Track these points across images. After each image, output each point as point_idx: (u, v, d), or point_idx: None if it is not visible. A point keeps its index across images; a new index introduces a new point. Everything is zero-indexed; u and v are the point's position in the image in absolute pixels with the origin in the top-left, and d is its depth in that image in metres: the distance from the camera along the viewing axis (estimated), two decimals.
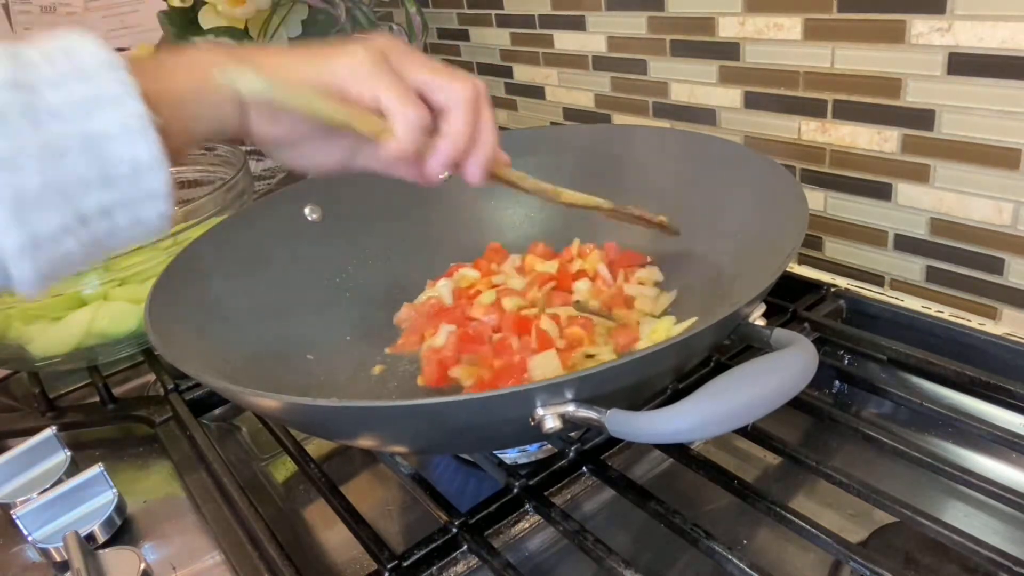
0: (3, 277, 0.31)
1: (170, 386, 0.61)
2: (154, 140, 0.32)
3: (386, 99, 0.38)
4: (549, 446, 0.50)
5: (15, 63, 0.30)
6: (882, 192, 0.60)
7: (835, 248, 0.65)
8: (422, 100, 0.40)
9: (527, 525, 0.46)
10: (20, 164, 0.29)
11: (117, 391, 0.65)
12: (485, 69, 0.98)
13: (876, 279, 0.63)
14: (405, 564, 0.42)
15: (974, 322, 0.56)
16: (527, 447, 0.51)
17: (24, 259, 0.30)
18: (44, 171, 0.30)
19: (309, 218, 0.65)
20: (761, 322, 0.40)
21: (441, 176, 0.42)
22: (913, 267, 0.60)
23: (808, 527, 0.40)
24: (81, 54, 0.32)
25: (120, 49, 1.17)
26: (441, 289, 0.64)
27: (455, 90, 0.40)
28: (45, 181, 0.30)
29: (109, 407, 0.63)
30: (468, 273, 0.65)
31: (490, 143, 0.42)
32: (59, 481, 0.52)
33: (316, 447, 0.55)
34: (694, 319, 0.55)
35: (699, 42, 0.68)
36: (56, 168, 0.30)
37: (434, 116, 0.40)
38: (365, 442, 0.46)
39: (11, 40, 0.31)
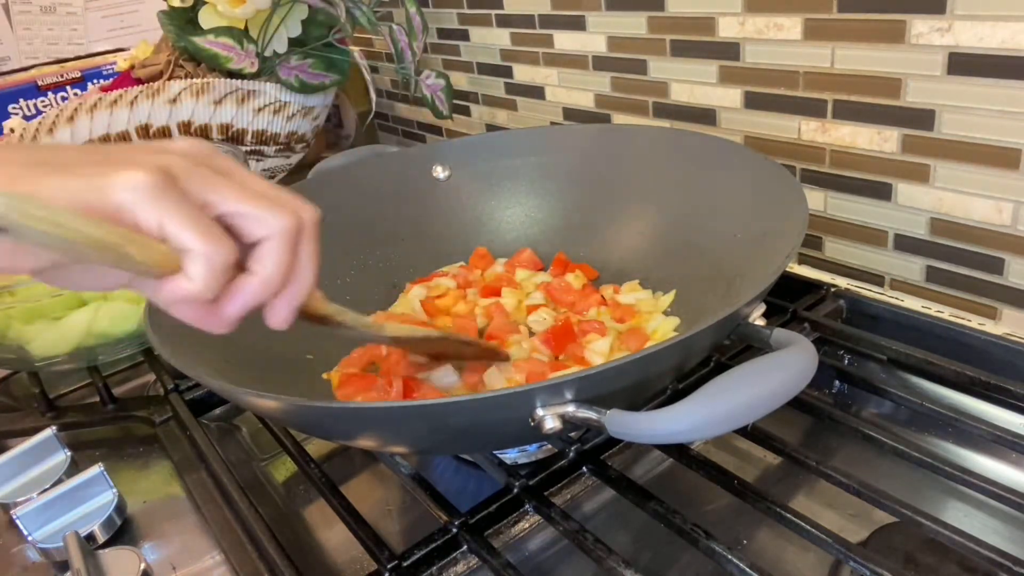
0: None
1: (170, 386, 0.61)
2: None
3: (176, 231, 0.30)
4: (549, 446, 0.51)
5: None
6: (882, 192, 0.60)
7: (835, 248, 0.65)
8: (227, 230, 0.32)
9: (527, 525, 0.46)
10: None
11: (117, 391, 0.65)
12: (485, 69, 0.99)
13: (876, 279, 0.63)
14: (405, 564, 0.42)
15: (974, 322, 0.56)
16: (527, 447, 0.51)
17: None
18: None
19: None
20: (761, 322, 0.40)
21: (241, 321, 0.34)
22: (913, 267, 0.60)
23: (808, 527, 0.40)
24: None
25: (120, 49, 1.17)
26: (412, 300, 0.64)
27: (272, 222, 0.33)
28: None
29: (109, 407, 0.63)
30: (444, 282, 0.65)
31: (307, 284, 0.35)
32: (59, 481, 0.52)
33: (316, 447, 0.55)
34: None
35: (699, 42, 0.68)
36: None
37: (242, 248, 0.33)
38: (365, 442, 0.46)
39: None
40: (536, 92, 0.92)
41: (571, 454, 0.48)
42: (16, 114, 1.07)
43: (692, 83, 0.71)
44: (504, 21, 0.91)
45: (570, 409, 0.34)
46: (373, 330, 0.44)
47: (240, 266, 0.33)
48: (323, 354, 0.58)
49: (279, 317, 0.35)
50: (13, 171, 0.28)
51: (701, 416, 0.32)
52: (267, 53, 0.89)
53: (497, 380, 0.51)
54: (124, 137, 0.86)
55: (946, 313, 0.58)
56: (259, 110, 0.91)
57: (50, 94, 1.09)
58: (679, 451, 0.48)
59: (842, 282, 0.64)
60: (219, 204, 0.32)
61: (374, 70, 1.23)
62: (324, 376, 0.57)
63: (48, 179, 0.28)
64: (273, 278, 0.34)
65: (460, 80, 1.04)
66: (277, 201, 0.34)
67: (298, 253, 0.34)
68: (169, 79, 0.88)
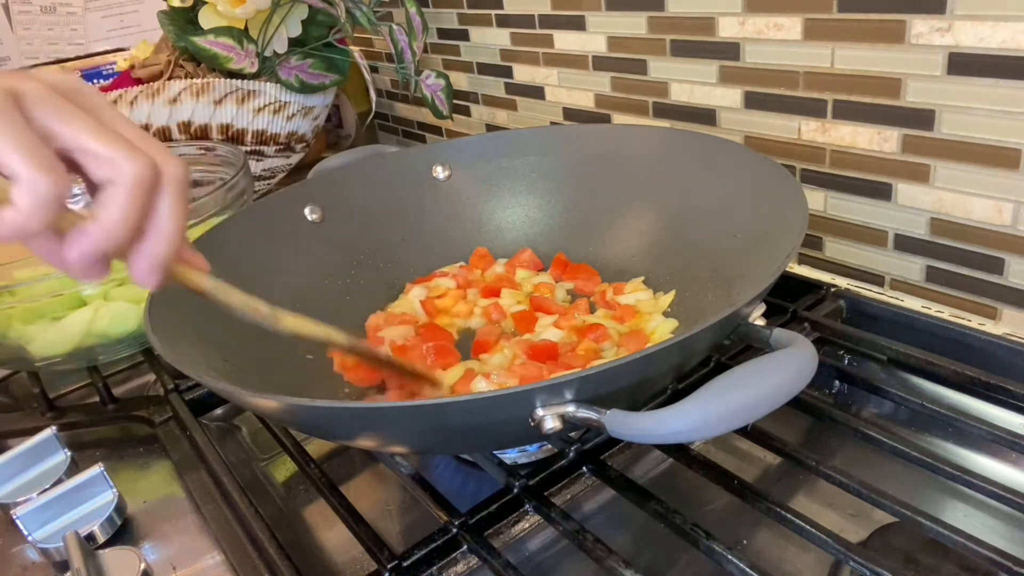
0: None
1: (170, 386, 0.61)
2: None
3: (4, 153, 0.29)
4: (549, 446, 0.51)
5: None
6: (882, 192, 0.60)
7: (835, 248, 0.66)
8: (75, 168, 0.31)
9: (527, 525, 0.46)
10: None
11: (117, 391, 0.65)
12: (485, 69, 0.99)
13: (876, 279, 0.63)
14: (405, 564, 0.42)
15: (974, 322, 0.56)
16: (527, 447, 0.51)
17: None
18: None
19: (309, 218, 0.65)
20: (761, 322, 0.40)
21: (90, 270, 0.33)
22: (913, 267, 0.60)
23: (808, 527, 0.40)
24: None
25: (120, 49, 1.17)
26: (412, 300, 0.64)
27: (119, 166, 0.31)
28: None
29: (109, 407, 0.63)
30: (443, 282, 0.65)
31: (165, 242, 0.33)
32: (59, 481, 0.52)
33: (316, 447, 0.55)
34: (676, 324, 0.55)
35: (699, 42, 0.68)
36: None
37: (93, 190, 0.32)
38: (365, 442, 0.46)
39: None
40: (536, 92, 0.92)
41: (571, 454, 0.48)
42: None
43: (692, 83, 0.71)
44: (504, 21, 0.91)
45: (570, 409, 0.34)
46: (266, 319, 0.40)
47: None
48: (323, 354, 0.58)
49: (138, 273, 0.34)
50: None
51: (701, 416, 0.32)
52: (267, 53, 0.89)
53: (484, 388, 0.51)
54: None
55: (946, 313, 0.58)
56: (259, 110, 0.91)
57: None
58: (679, 451, 0.48)
59: (842, 282, 0.64)
60: (64, 136, 0.30)
61: (374, 70, 1.23)
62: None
63: None
64: (113, 227, 0.32)
65: (460, 80, 1.04)
66: (134, 147, 0.31)
67: (154, 206, 0.33)
68: (169, 79, 0.88)
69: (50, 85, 0.31)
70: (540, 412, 0.34)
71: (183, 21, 0.88)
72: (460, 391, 0.53)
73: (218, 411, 0.62)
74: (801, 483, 0.48)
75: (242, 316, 0.39)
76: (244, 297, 0.39)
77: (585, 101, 0.85)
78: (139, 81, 0.90)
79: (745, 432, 0.48)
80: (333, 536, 0.49)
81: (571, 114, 0.88)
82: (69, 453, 0.55)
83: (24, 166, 0.29)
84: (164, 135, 0.88)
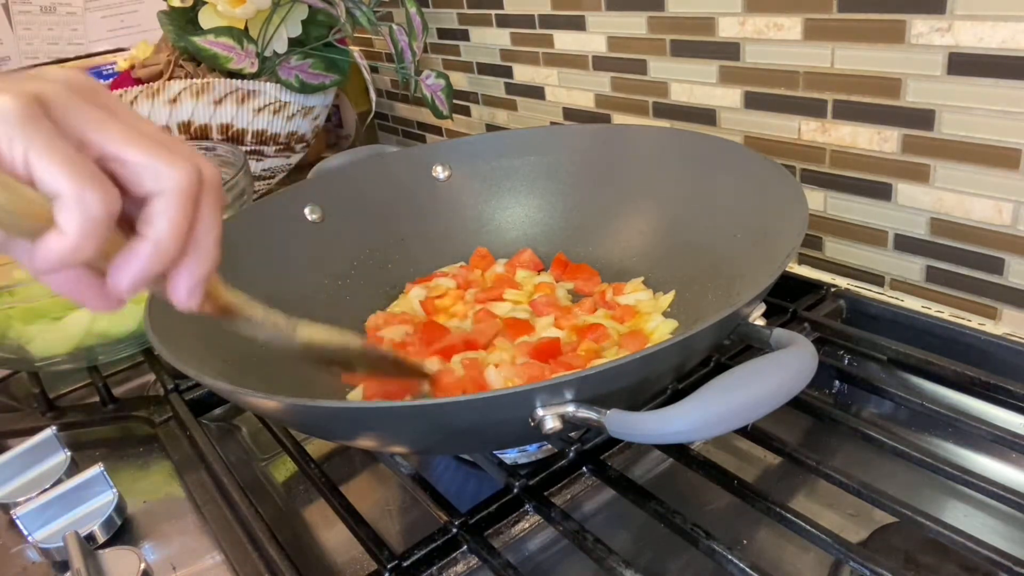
0: None
1: (170, 386, 0.61)
2: None
3: (45, 169, 0.24)
4: (549, 446, 0.50)
5: None
6: (882, 192, 0.60)
7: (835, 248, 0.65)
8: (111, 179, 0.27)
9: (527, 525, 0.46)
10: None
11: (117, 391, 0.65)
12: (485, 69, 0.99)
13: (876, 279, 0.63)
14: (405, 564, 0.42)
15: (974, 322, 0.56)
16: (527, 447, 0.51)
17: None
18: None
19: (309, 218, 0.65)
20: (761, 322, 0.40)
21: (133, 296, 0.29)
22: (913, 267, 0.60)
23: (808, 527, 0.40)
24: None
25: (120, 49, 1.17)
26: (412, 300, 0.64)
27: (166, 175, 0.27)
28: None
29: (109, 407, 0.63)
30: (443, 282, 0.65)
31: (210, 254, 0.30)
32: (59, 481, 0.52)
33: (316, 447, 0.55)
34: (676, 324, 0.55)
35: (699, 42, 0.68)
36: None
37: (129, 206, 0.28)
38: (365, 442, 0.46)
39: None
40: (536, 92, 0.92)
41: (571, 454, 0.48)
42: None
43: (692, 83, 0.71)
44: (504, 21, 0.91)
45: (570, 409, 0.34)
46: (284, 331, 0.38)
47: (130, 227, 0.28)
48: None
49: (182, 293, 0.30)
50: None
51: (702, 416, 0.32)
52: (267, 53, 0.89)
53: (496, 380, 0.51)
54: None
55: (946, 313, 0.58)
56: (259, 110, 0.91)
57: None
58: (679, 451, 0.48)
59: (842, 282, 0.64)
60: (101, 144, 0.27)
61: (374, 70, 1.23)
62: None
63: None
64: (167, 242, 0.28)
65: (460, 80, 1.04)
66: (172, 150, 0.28)
67: (198, 216, 0.29)
68: (169, 79, 0.88)
69: (68, 86, 0.27)
70: (540, 412, 0.34)
71: (183, 21, 0.88)
72: (470, 380, 0.52)
73: (218, 411, 0.62)
74: (801, 483, 0.48)
75: (259, 329, 0.37)
76: (265, 310, 0.37)
77: (585, 101, 0.85)
78: (139, 81, 0.90)
79: (745, 432, 0.48)
80: (333, 536, 0.49)
81: (571, 114, 0.88)
82: (69, 453, 0.55)
83: (68, 181, 0.25)
84: None
